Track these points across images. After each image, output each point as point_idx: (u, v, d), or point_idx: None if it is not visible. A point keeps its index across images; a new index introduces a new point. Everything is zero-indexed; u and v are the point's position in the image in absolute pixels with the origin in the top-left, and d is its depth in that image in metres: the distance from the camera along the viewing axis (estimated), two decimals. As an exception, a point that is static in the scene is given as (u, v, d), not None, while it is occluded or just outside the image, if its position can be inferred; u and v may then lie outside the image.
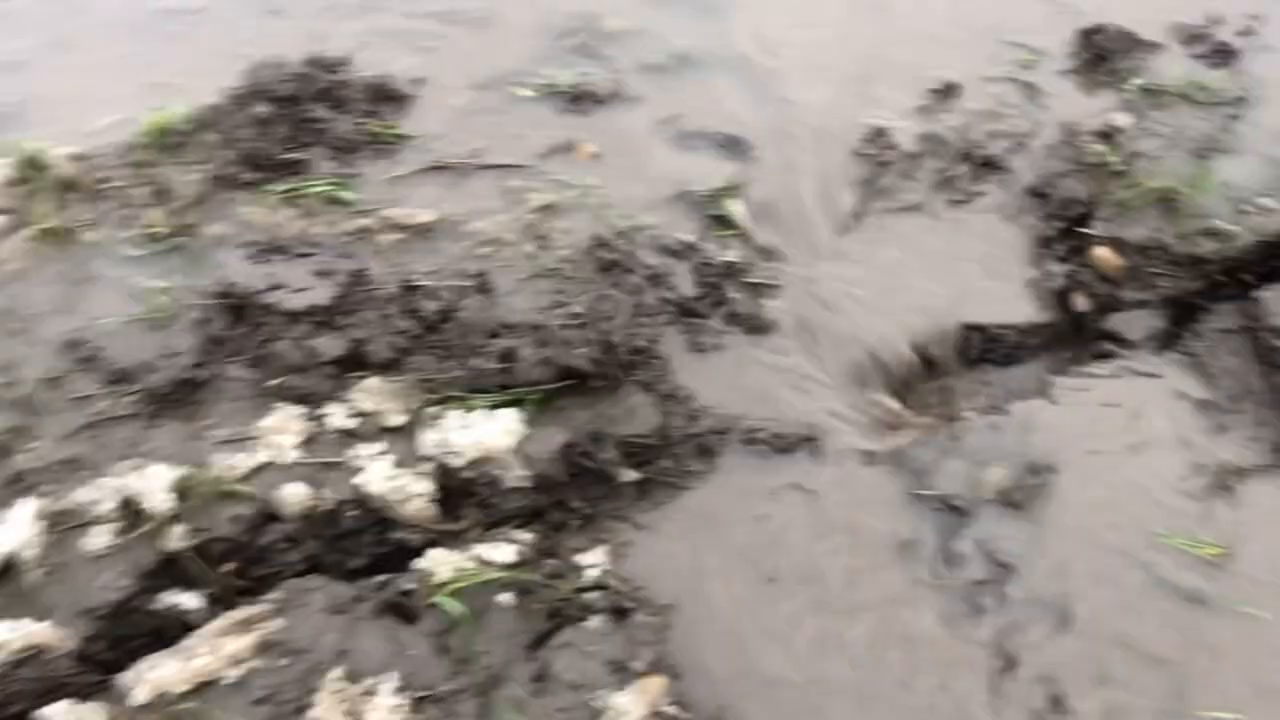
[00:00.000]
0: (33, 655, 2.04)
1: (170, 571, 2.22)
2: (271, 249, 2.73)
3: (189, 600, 2.21)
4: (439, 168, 3.17)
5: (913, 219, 3.19)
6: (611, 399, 2.56)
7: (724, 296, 2.91)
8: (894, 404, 2.80)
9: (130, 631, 2.17)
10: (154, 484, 2.25)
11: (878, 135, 3.35)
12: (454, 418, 2.45)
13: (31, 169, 3.01)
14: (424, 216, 2.96)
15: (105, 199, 2.99)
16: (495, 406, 2.48)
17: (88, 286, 2.78)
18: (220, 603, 2.23)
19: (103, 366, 2.56)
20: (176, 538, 2.22)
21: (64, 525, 2.21)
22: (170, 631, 2.20)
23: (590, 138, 3.29)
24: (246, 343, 2.59)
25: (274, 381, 2.50)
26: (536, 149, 3.25)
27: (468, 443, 2.39)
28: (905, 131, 3.38)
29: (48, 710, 2.02)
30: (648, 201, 3.11)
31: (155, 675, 2.04)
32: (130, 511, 2.24)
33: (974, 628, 2.33)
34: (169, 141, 3.13)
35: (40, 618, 2.11)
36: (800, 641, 2.31)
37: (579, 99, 3.42)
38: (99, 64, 3.47)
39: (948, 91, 3.51)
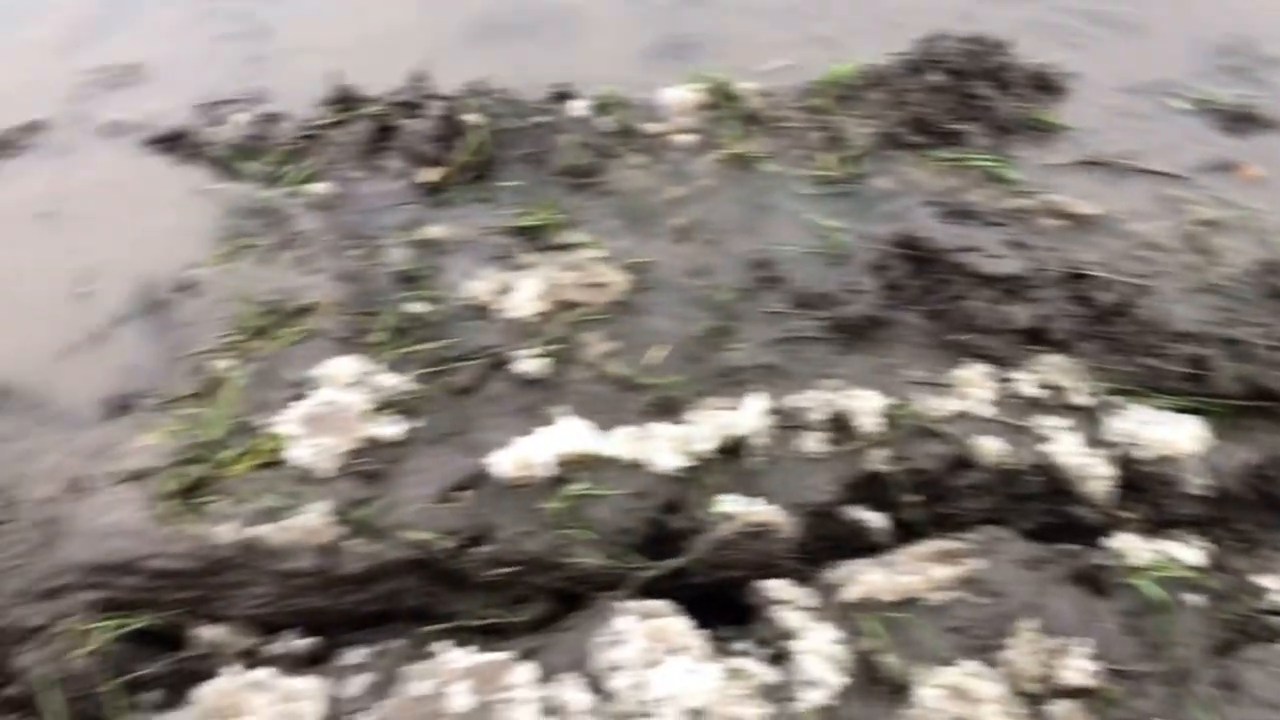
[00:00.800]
0: (760, 531, 2.26)
1: (866, 489, 2.38)
2: (959, 212, 2.85)
3: (875, 519, 2.36)
4: (1093, 163, 3.19)
5: None
6: (1300, 430, 2.50)
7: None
8: None
9: (822, 533, 2.36)
10: (864, 406, 2.42)
11: None
12: (1138, 411, 2.47)
13: (721, 97, 3.29)
14: (1085, 208, 2.99)
15: (782, 136, 3.23)
16: (1178, 410, 2.48)
17: (767, 213, 3.01)
18: (902, 529, 2.37)
19: (788, 289, 2.78)
20: (878, 460, 2.38)
21: (786, 424, 2.41)
22: (850, 543, 2.37)
23: (1252, 160, 3.19)
24: (927, 294, 2.72)
25: (959, 336, 2.61)
26: (1191, 162, 3.20)
27: (1154, 439, 2.41)
28: None
29: (768, 583, 2.24)
30: (1316, 237, 2.98)
31: (868, 579, 2.21)
32: (839, 426, 2.42)
33: None
34: (841, 93, 3.32)
35: (762, 500, 2.32)
36: None
37: (1238, 120, 3.33)
38: (770, 10, 3.73)
39: None
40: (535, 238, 2.92)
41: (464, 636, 2.19)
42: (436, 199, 3.07)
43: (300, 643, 2.21)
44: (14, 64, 3.69)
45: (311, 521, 2.22)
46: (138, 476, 2.32)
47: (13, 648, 2.21)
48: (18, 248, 3.01)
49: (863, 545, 2.37)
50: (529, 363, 2.56)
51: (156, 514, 2.23)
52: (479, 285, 2.77)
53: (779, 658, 2.14)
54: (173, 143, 3.30)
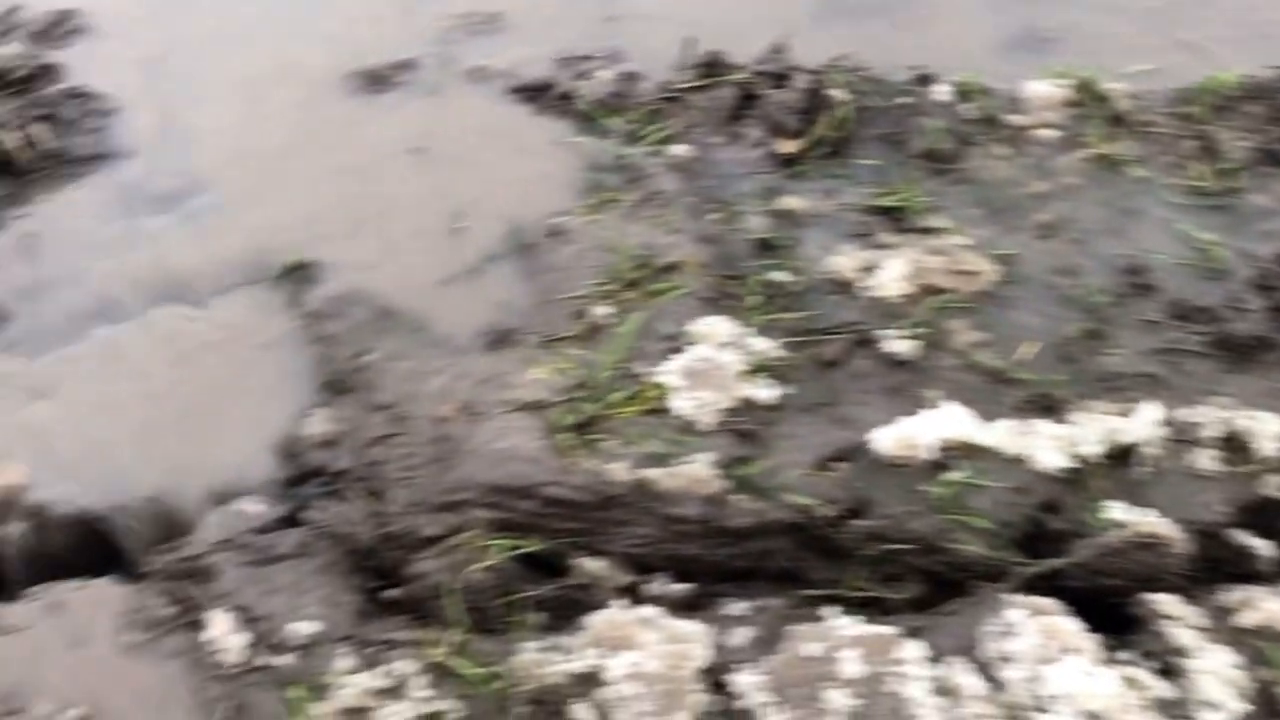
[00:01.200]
0: (1151, 544, 2.19)
1: (1258, 514, 2.29)
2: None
3: (1264, 547, 2.26)
4: None
5: None
6: None
7: None
8: None
9: (1208, 553, 2.27)
10: (1264, 429, 2.32)
11: None
12: None
13: (1088, 95, 3.19)
14: None
15: (1151, 141, 3.12)
16: None
17: (1135, 218, 2.91)
18: (1293, 561, 2.27)
19: (1163, 298, 2.68)
20: (1274, 486, 2.28)
21: (1178, 437, 2.33)
22: (1231, 567, 2.28)
23: None
24: (1318, 322, 2.58)
25: (1356, 370, 2.48)
26: None
27: None
28: None
29: (1159, 597, 2.17)
30: None
31: (1267, 606, 2.12)
32: (1235, 446, 2.33)
33: None
34: (1217, 102, 3.18)
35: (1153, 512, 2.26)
36: None
37: None
38: (1130, 10, 3.61)
39: None
40: (895, 218, 2.91)
41: (844, 606, 2.20)
42: (792, 171, 3.09)
43: (677, 587, 2.27)
44: (384, 4, 3.88)
45: (699, 471, 2.28)
46: (531, 407, 2.42)
47: (407, 553, 2.35)
48: (394, 180, 3.18)
49: (1243, 572, 2.29)
50: (898, 343, 2.55)
51: (553, 444, 2.32)
52: (841, 260, 2.78)
53: (1167, 673, 2.08)
54: (536, 93, 3.42)
